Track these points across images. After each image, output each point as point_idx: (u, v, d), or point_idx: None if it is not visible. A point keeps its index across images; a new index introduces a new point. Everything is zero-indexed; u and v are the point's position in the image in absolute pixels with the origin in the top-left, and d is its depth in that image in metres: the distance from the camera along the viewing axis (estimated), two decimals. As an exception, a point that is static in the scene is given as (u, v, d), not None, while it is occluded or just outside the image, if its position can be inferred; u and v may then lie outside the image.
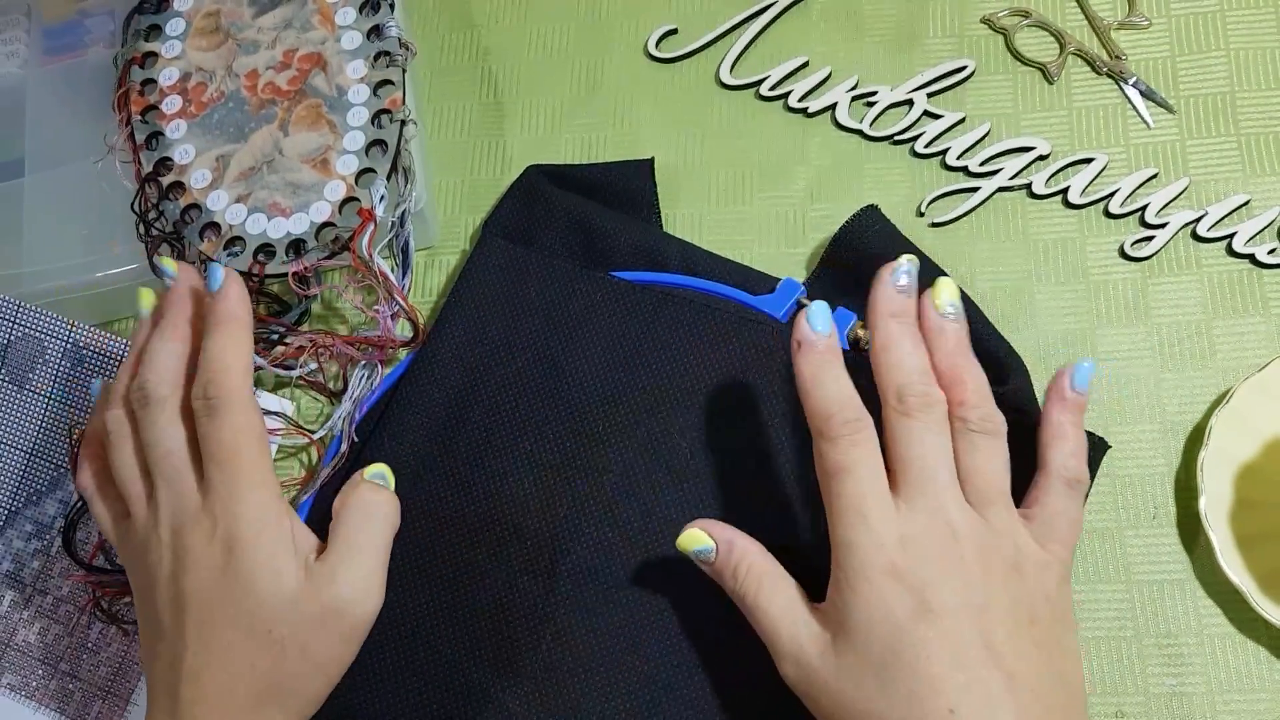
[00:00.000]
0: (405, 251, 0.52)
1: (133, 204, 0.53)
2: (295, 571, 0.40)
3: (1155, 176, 0.52)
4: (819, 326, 0.40)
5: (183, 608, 0.40)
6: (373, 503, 0.43)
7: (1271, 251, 0.50)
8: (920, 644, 0.35)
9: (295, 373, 0.53)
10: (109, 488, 0.44)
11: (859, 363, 0.48)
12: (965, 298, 0.49)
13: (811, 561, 0.40)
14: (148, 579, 0.42)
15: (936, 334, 0.40)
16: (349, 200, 0.51)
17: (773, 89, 0.57)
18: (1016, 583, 0.37)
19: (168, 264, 0.46)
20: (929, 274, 0.50)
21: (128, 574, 0.44)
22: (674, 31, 0.59)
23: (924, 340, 0.40)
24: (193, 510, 0.41)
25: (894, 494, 0.38)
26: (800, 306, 0.51)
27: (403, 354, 0.53)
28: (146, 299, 0.46)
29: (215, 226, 0.52)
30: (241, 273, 0.51)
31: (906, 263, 0.41)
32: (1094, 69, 0.55)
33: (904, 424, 0.38)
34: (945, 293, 0.41)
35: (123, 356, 0.53)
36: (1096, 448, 0.47)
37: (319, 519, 0.51)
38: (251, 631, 0.40)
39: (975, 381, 0.40)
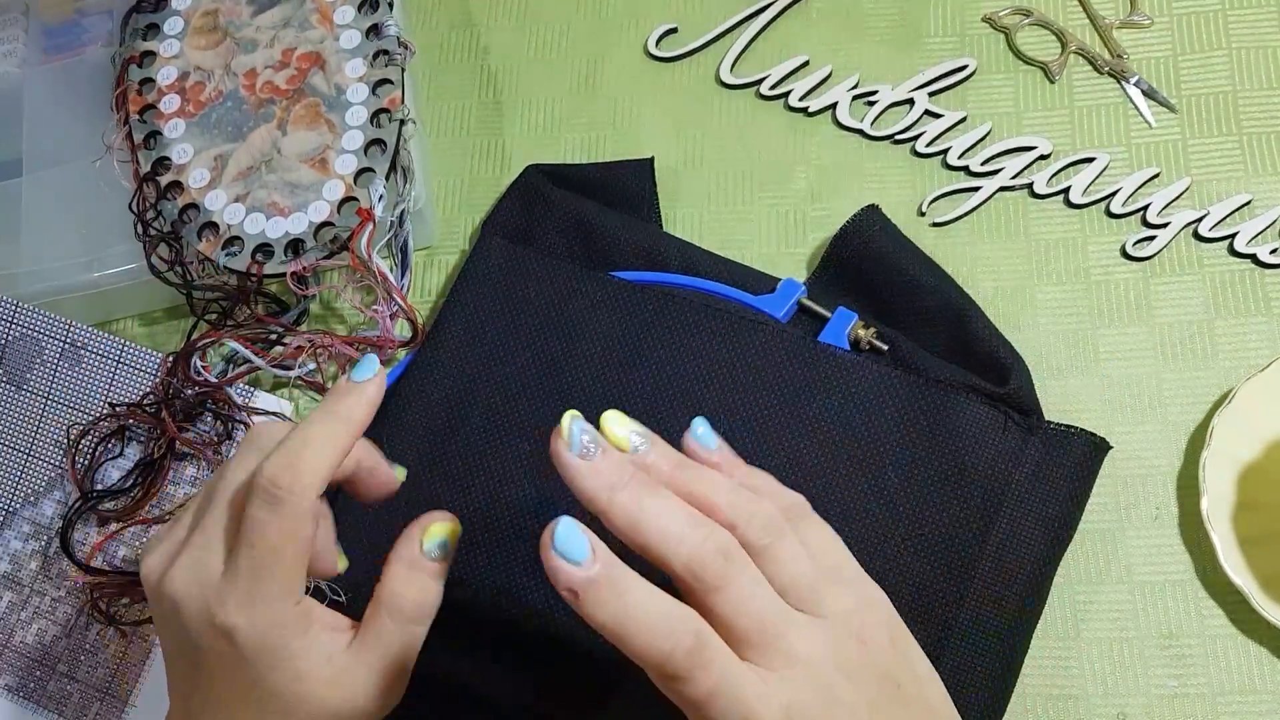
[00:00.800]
0: (404, 251, 0.52)
1: (131, 203, 0.53)
2: (312, 674, 0.37)
3: (1157, 176, 0.52)
4: (577, 555, 0.32)
5: (194, 665, 0.38)
6: (406, 602, 0.38)
7: (1273, 251, 0.50)
8: None
9: (294, 373, 0.52)
10: None
11: (857, 362, 0.48)
12: (965, 296, 0.49)
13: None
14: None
15: (658, 469, 0.35)
16: (348, 200, 0.51)
17: (773, 88, 0.57)
18: (873, 665, 0.35)
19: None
20: (930, 273, 0.50)
21: None
22: (674, 31, 0.59)
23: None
24: (212, 576, 0.37)
25: (745, 659, 0.33)
26: (801, 307, 0.50)
27: (402, 354, 0.53)
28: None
29: (213, 226, 0.52)
30: (239, 273, 0.51)
31: (569, 421, 0.35)
32: (1095, 68, 0.55)
33: (717, 598, 0.32)
34: (619, 430, 0.35)
35: (121, 356, 0.53)
36: (1098, 448, 0.47)
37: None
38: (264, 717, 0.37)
39: (725, 494, 0.35)
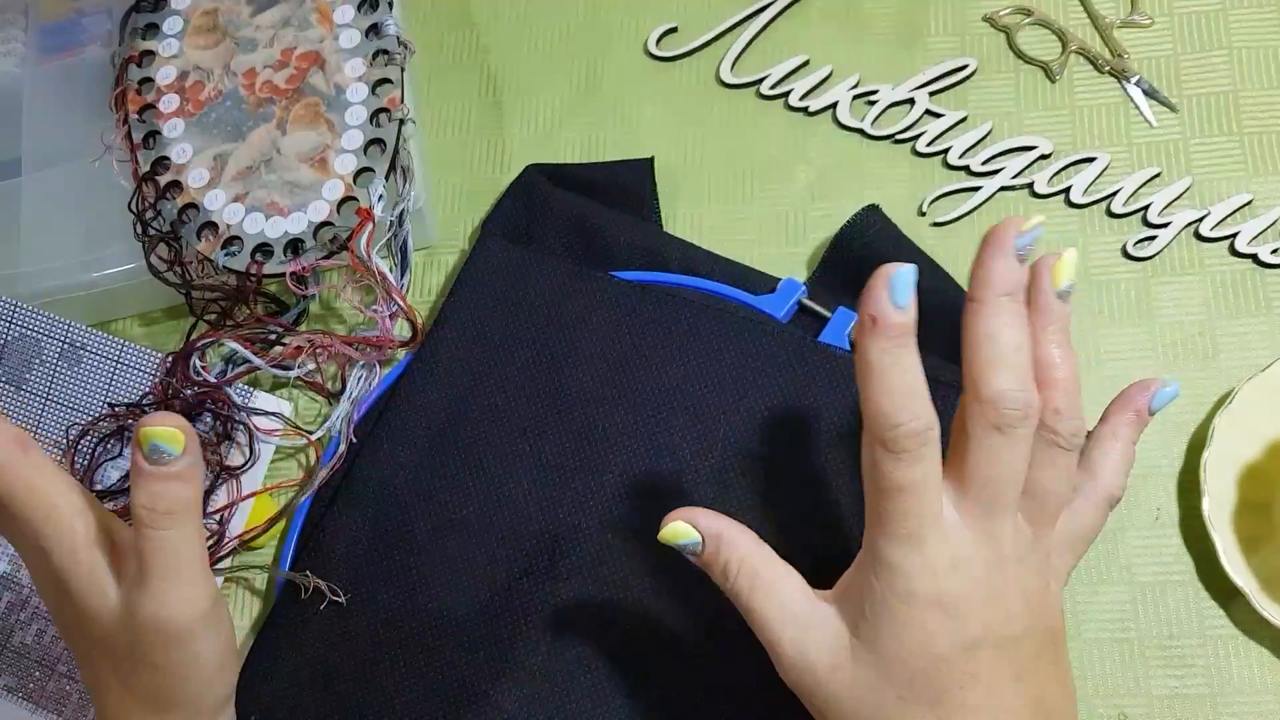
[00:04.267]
0: (404, 251, 0.52)
1: (130, 203, 0.53)
2: (113, 595, 0.38)
3: (1158, 176, 0.52)
4: (900, 299, 0.32)
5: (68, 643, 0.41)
6: (143, 512, 0.37)
7: (1274, 251, 0.50)
8: (956, 677, 0.34)
9: (293, 373, 0.52)
10: None
11: (850, 363, 0.47)
12: (966, 296, 0.49)
13: (814, 559, 0.40)
14: None
15: (1042, 314, 0.35)
16: (347, 199, 0.51)
17: (773, 88, 0.57)
18: (1042, 606, 0.36)
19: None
20: (930, 274, 0.50)
21: None
22: (674, 30, 0.59)
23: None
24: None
25: (952, 494, 0.34)
26: (802, 307, 0.50)
27: (401, 354, 0.53)
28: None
29: (213, 226, 0.52)
30: (239, 272, 0.51)
31: (1036, 227, 0.34)
32: (1096, 68, 0.55)
33: (990, 438, 0.33)
34: (1067, 268, 0.35)
35: (120, 357, 0.53)
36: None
37: (315, 520, 0.51)
38: (112, 658, 0.39)
39: (1071, 382, 0.35)
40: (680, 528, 0.37)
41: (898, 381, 0.32)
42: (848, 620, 0.35)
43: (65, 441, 0.53)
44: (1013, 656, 0.34)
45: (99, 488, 0.52)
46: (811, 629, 0.35)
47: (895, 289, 0.32)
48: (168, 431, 0.36)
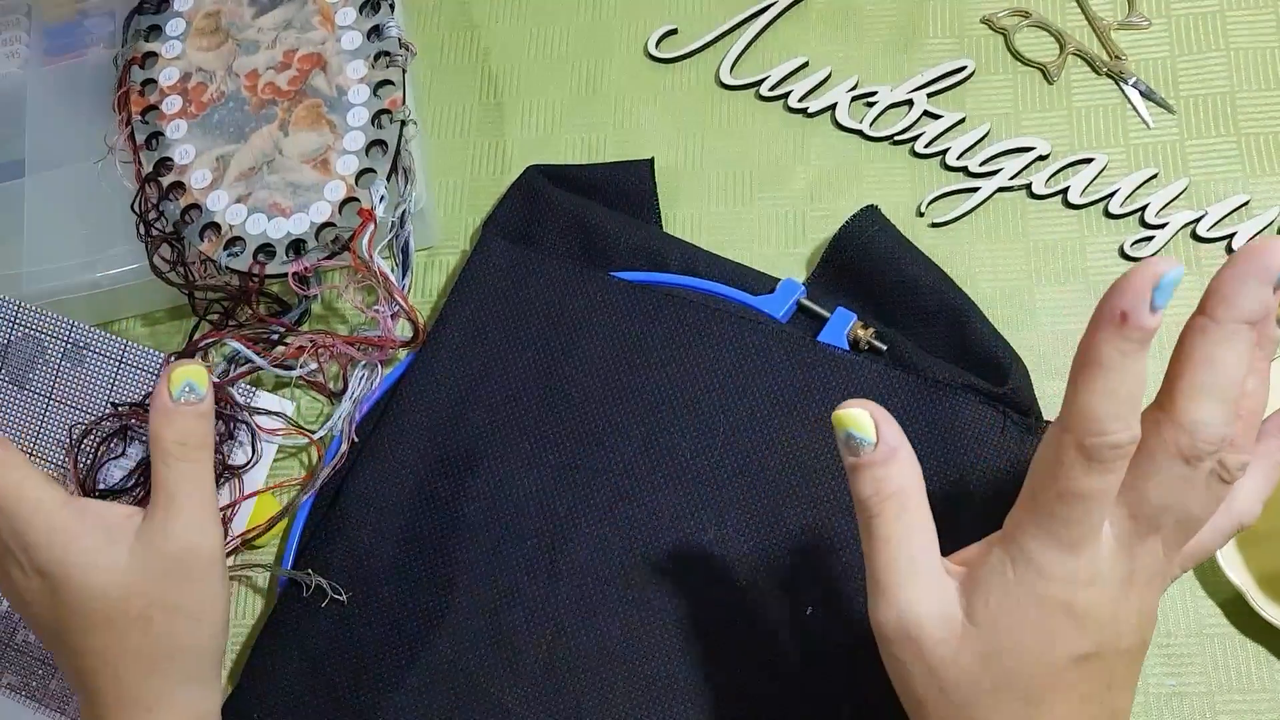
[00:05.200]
0: (405, 251, 0.52)
1: (133, 204, 0.53)
2: (115, 553, 0.41)
3: (1155, 177, 0.52)
4: (1161, 301, 0.29)
5: (50, 638, 0.42)
6: (174, 446, 0.41)
7: (1271, 252, 0.50)
8: (1058, 683, 0.33)
9: (295, 373, 0.53)
10: None
11: (856, 362, 0.48)
12: (964, 296, 0.49)
13: (813, 559, 0.40)
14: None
15: (1264, 346, 0.33)
16: (349, 200, 0.51)
17: (773, 89, 0.57)
18: (1150, 621, 0.35)
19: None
20: (929, 274, 0.50)
21: None
22: (674, 32, 0.59)
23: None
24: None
25: (1115, 509, 0.33)
26: (801, 308, 0.51)
27: (403, 354, 0.53)
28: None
29: (215, 226, 0.52)
30: (241, 273, 0.51)
31: None
32: (1094, 69, 0.55)
33: (1175, 468, 0.31)
34: None
35: (123, 356, 0.53)
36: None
37: (317, 519, 0.51)
38: (110, 624, 0.40)
39: (1256, 415, 0.34)
40: (861, 417, 0.34)
41: (1122, 387, 0.30)
42: (966, 598, 0.34)
43: (68, 441, 0.53)
44: (1113, 668, 0.34)
45: (102, 487, 0.52)
46: (931, 592, 0.34)
47: (1161, 289, 0.29)
48: (199, 370, 0.41)
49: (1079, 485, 0.31)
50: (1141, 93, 0.54)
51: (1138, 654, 0.35)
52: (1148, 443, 0.32)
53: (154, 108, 0.55)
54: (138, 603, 0.40)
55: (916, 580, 0.34)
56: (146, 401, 0.52)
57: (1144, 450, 0.32)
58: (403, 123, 0.52)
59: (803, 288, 0.50)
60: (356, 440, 0.51)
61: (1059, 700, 0.33)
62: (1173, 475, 0.32)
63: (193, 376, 0.41)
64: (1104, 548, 0.33)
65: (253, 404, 0.53)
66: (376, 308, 0.51)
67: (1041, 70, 0.55)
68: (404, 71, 0.53)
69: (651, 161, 0.55)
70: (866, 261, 0.51)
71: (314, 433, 0.52)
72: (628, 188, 0.55)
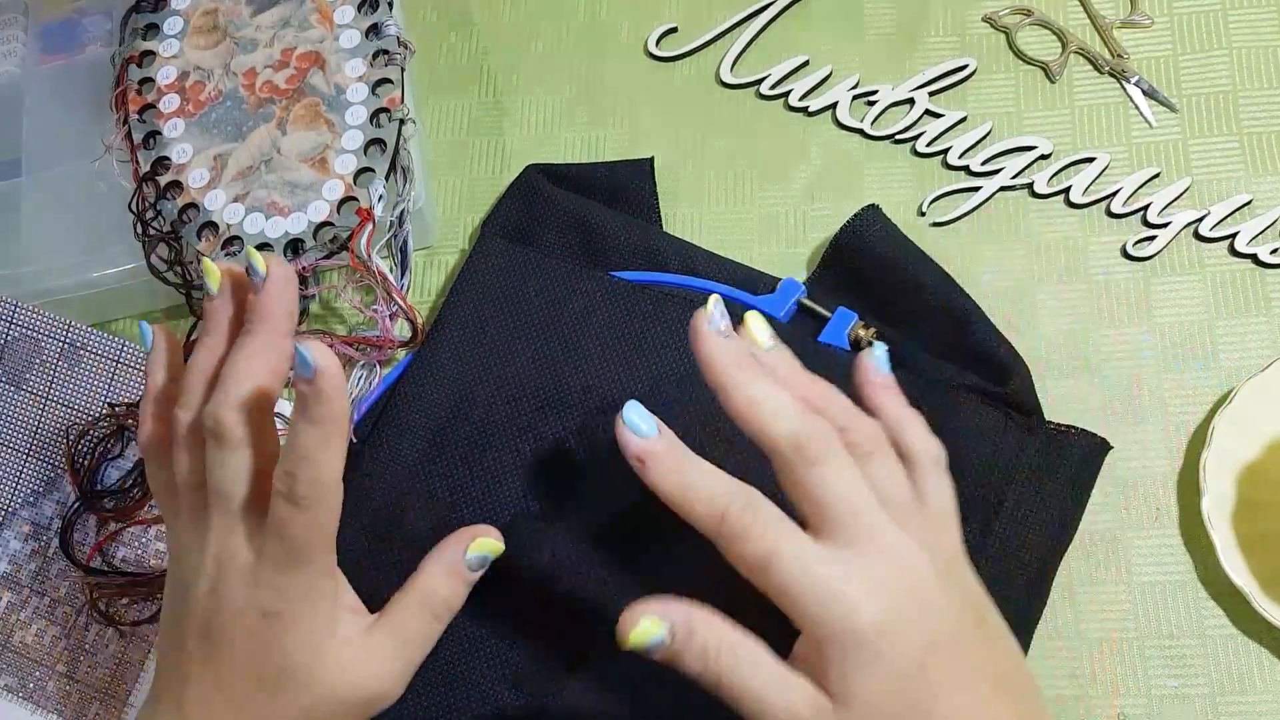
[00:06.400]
0: (404, 251, 0.52)
1: (130, 203, 0.53)
2: (334, 652, 0.39)
3: (1157, 176, 0.52)
4: (645, 429, 0.37)
5: (210, 642, 0.39)
6: (438, 598, 0.42)
7: (1274, 251, 0.50)
8: (926, 689, 0.34)
9: (293, 373, 0.52)
10: (168, 457, 0.41)
11: (849, 363, 0.48)
12: (966, 296, 0.49)
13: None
14: (180, 581, 0.40)
15: (772, 369, 0.38)
16: (347, 199, 0.51)
17: (773, 88, 0.57)
18: (956, 587, 0.36)
19: (258, 261, 0.39)
20: (930, 273, 0.50)
21: (167, 543, 0.42)
22: (674, 30, 0.59)
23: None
24: (240, 559, 0.39)
25: (824, 543, 0.35)
26: (801, 307, 0.50)
27: (401, 354, 0.53)
28: (214, 277, 0.41)
29: (213, 226, 0.52)
30: (239, 272, 0.51)
31: (714, 304, 0.37)
32: (1096, 68, 0.55)
33: (814, 473, 0.35)
34: (757, 328, 0.38)
35: (120, 356, 0.53)
36: (1098, 448, 0.47)
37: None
38: (276, 696, 0.39)
39: (839, 401, 0.37)
40: (646, 627, 0.36)
41: (698, 485, 0.36)
42: (814, 675, 0.35)
43: (65, 441, 0.53)
44: (956, 646, 0.35)
45: (98, 488, 0.52)
46: (796, 689, 0.35)
47: (633, 424, 0.38)
48: (496, 546, 0.43)
49: (758, 554, 0.35)
50: (1144, 91, 0.54)
51: (974, 620, 0.36)
52: (783, 476, 0.36)
53: (151, 106, 0.54)
54: (304, 701, 0.39)
55: (780, 689, 0.35)
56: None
57: (783, 482, 0.36)
58: (401, 121, 0.52)
59: (803, 287, 0.50)
60: (355, 440, 0.51)
61: (937, 703, 0.34)
62: (819, 477, 0.35)
63: (492, 551, 0.43)
64: (836, 568, 0.35)
65: (251, 404, 0.53)
66: (375, 307, 0.51)
67: (1043, 69, 0.55)
68: (403, 70, 0.53)
69: (651, 160, 0.55)
70: (867, 261, 0.51)
71: (312, 433, 0.52)
72: (627, 187, 0.55)
